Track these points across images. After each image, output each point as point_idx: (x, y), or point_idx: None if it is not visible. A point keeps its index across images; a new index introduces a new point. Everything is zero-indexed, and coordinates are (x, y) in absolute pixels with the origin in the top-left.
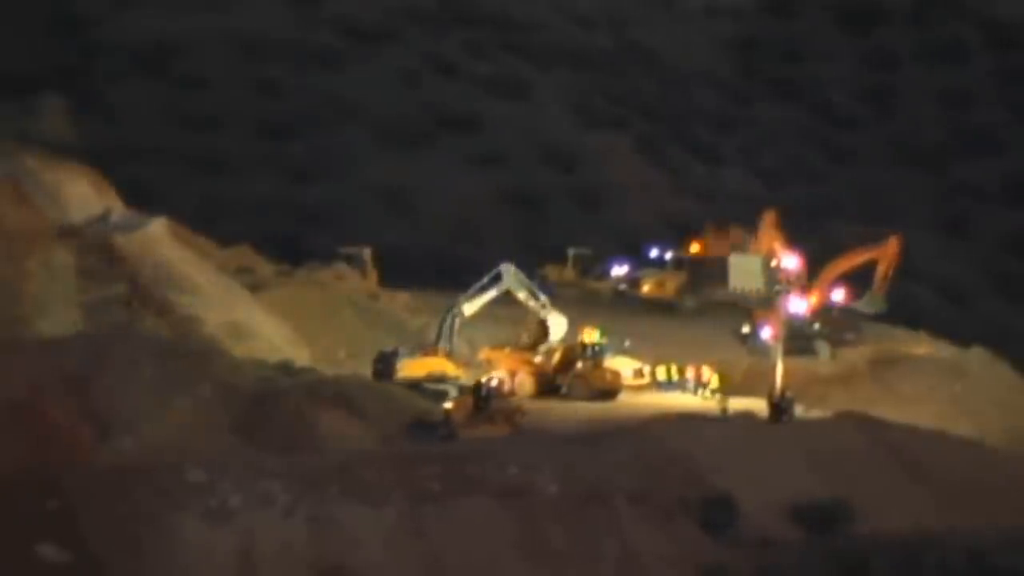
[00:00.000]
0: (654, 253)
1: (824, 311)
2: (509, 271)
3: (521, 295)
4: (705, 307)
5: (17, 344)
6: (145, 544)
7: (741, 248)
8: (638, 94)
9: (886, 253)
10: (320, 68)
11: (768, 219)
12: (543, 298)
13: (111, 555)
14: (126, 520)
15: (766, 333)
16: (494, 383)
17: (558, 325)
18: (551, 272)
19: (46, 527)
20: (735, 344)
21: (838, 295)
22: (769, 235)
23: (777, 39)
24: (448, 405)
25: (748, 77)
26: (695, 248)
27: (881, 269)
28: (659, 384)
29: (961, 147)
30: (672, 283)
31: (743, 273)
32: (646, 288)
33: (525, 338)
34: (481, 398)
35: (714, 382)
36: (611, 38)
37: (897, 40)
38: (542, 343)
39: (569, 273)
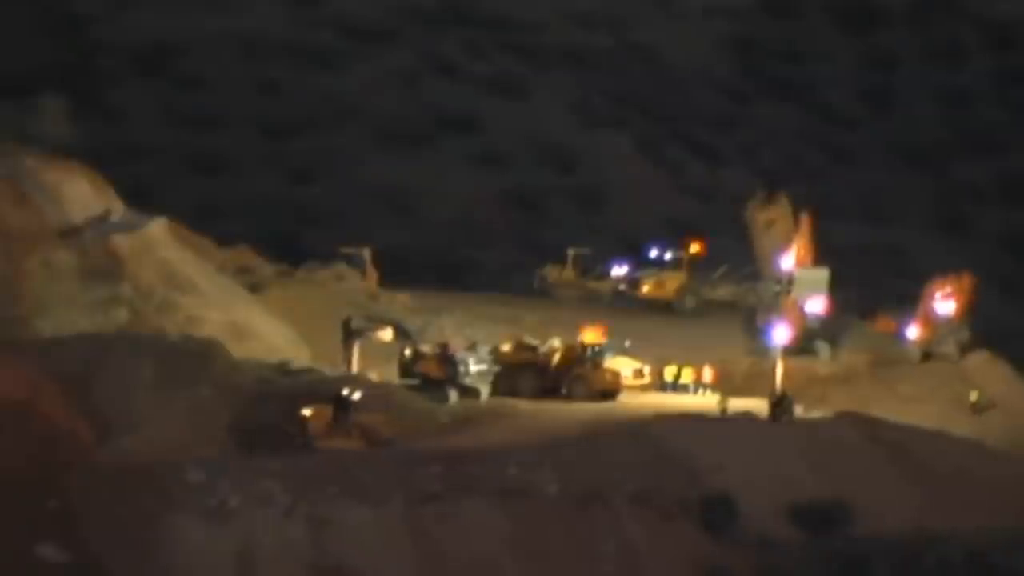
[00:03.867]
0: (654, 253)
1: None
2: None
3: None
4: (705, 307)
5: (17, 344)
6: (145, 544)
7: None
8: (638, 94)
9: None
10: (320, 68)
11: (805, 224)
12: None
13: (111, 555)
14: (126, 520)
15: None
16: (356, 396)
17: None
18: (551, 272)
19: (46, 527)
20: (735, 344)
21: (947, 308)
22: (805, 240)
23: (776, 38)
24: (307, 413)
25: (747, 77)
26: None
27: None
28: (663, 385)
29: (961, 147)
30: (672, 283)
31: (809, 285)
32: (646, 288)
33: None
34: (341, 410)
35: (707, 376)
36: (611, 38)
37: (896, 40)
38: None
39: (569, 273)
